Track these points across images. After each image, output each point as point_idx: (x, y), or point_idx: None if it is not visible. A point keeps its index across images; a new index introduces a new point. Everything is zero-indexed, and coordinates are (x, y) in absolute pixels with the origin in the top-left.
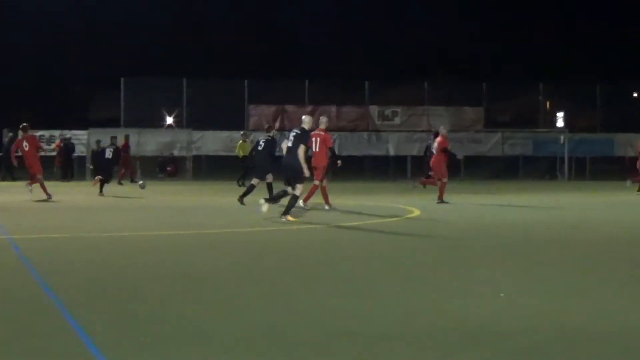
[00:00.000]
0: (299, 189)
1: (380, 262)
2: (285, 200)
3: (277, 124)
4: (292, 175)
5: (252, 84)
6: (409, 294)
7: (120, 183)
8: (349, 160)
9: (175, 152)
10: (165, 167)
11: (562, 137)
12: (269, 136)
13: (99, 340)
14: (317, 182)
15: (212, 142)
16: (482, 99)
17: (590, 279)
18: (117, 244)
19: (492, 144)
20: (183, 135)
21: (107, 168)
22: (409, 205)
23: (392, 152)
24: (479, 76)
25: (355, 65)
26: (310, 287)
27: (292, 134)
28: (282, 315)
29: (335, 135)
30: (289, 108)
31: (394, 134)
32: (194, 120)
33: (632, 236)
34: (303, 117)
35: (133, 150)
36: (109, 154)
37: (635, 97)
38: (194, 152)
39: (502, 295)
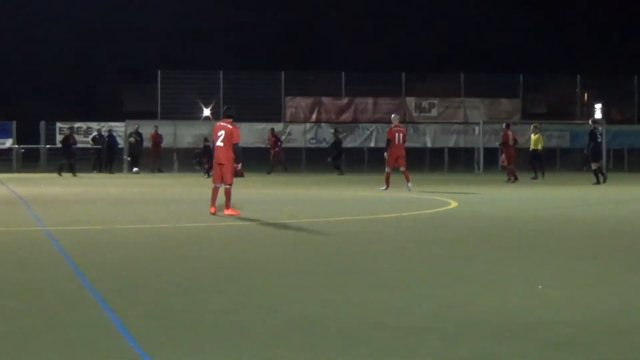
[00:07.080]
0: None
1: (414, 254)
2: None
3: (314, 116)
4: None
5: (288, 75)
6: (442, 286)
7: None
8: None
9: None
10: (202, 159)
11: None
12: None
13: (136, 332)
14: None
15: (248, 134)
16: (519, 90)
17: (622, 271)
18: (154, 236)
19: (529, 135)
20: None
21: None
22: (447, 197)
23: (429, 144)
24: (515, 67)
25: (391, 56)
26: (341, 279)
27: None
28: (314, 308)
29: (372, 127)
30: (325, 100)
31: (431, 126)
32: None
33: None
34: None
35: (169, 142)
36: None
37: None
38: None
39: (540, 287)
